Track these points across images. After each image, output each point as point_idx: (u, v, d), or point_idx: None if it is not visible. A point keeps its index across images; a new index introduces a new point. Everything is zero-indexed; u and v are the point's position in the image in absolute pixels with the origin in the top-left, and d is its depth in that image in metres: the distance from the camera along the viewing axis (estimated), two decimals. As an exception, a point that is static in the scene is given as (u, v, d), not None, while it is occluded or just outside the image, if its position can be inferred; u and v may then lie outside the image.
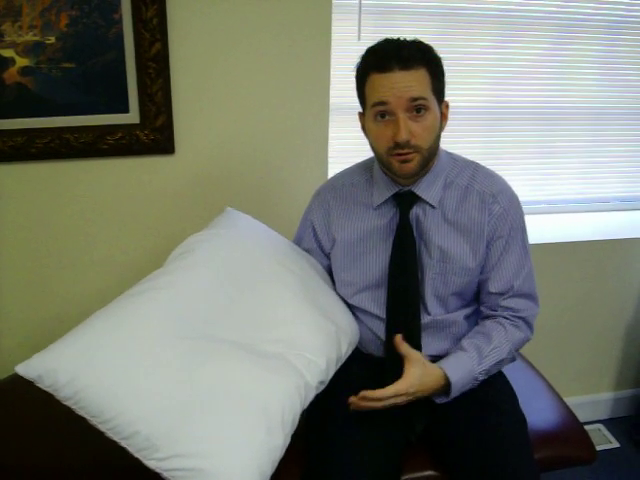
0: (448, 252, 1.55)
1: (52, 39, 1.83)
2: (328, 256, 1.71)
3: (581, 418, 1.74)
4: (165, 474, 1.19)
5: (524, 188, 2.48)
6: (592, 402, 2.66)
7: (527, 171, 2.50)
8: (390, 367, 1.55)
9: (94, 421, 1.19)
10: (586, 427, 1.70)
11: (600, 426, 2.65)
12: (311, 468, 1.42)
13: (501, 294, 1.56)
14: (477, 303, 1.64)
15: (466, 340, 1.52)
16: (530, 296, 1.59)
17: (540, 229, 2.47)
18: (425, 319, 1.59)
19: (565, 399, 1.79)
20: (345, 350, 1.55)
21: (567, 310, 2.51)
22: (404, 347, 1.43)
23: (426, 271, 1.57)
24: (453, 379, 1.43)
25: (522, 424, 1.52)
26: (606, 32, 2.33)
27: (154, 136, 1.95)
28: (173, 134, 1.97)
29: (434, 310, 1.59)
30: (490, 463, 1.39)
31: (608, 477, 2.35)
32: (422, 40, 1.47)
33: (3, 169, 1.93)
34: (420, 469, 1.51)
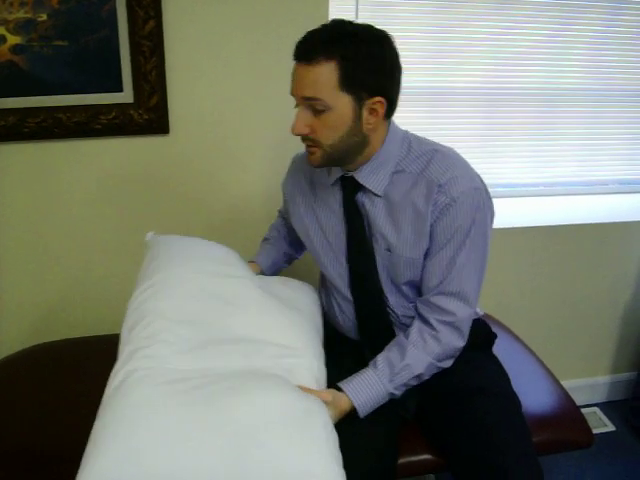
0: (392, 242, 1.50)
1: (44, 16, 1.80)
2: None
3: (578, 401, 1.73)
4: None
5: (524, 170, 2.46)
6: (589, 385, 2.66)
7: (527, 153, 2.47)
8: (367, 350, 1.57)
9: None
10: (582, 410, 1.69)
11: (596, 409, 2.65)
12: None
13: (430, 289, 1.48)
14: None
15: (382, 354, 1.48)
16: (459, 295, 1.46)
17: (539, 211, 2.45)
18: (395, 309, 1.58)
19: (562, 382, 1.78)
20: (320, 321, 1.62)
21: (565, 293, 2.50)
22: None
23: (378, 259, 1.54)
24: (357, 402, 1.41)
25: (515, 406, 1.51)
26: (606, 12, 2.30)
27: (148, 116, 1.92)
28: (167, 114, 1.94)
29: (393, 300, 1.57)
30: (482, 446, 1.38)
31: (604, 460, 2.35)
32: (363, 24, 1.36)
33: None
34: (416, 453, 1.51)
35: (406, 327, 1.54)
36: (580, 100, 2.43)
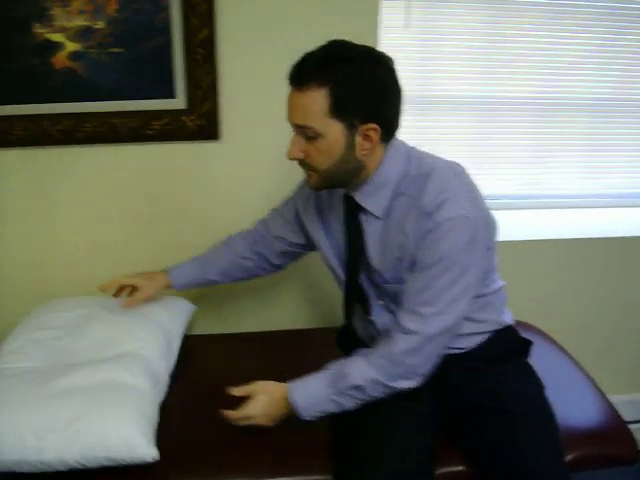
0: (377, 263, 1.49)
1: (101, 24, 1.85)
2: (303, 230, 1.74)
3: (627, 417, 1.70)
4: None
5: (574, 180, 2.44)
6: (636, 401, 2.60)
7: (578, 163, 2.44)
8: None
9: None
10: (631, 427, 1.66)
11: (642, 426, 2.59)
12: (346, 454, 1.42)
13: (402, 307, 1.44)
14: None
15: (341, 359, 1.49)
16: (425, 317, 1.39)
17: (587, 222, 2.42)
18: (380, 319, 1.58)
19: (610, 397, 1.75)
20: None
21: (613, 307, 2.45)
22: (238, 391, 1.50)
23: (373, 276, 1.54)
24: (297, 398, 1.43)
25: (546, 421, 1.48)
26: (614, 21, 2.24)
27: (200, 122, 1.96)
28: (218, 120, 1.97)
29: (379, 317, 1.57)
30: (511, 467, 1.38)
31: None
32: (352, 46, 1.35)
33: (51, 152, 1.97)
34: (451, 464, 1.49)
35: None
36: (637, 110, 2.39)
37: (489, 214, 1.48)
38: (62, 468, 1.36)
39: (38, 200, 2.03)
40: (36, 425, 1.37)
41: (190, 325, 2.00)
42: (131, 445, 1.37)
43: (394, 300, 1.51)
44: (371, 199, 1.47)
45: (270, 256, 1.81)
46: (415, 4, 2.06)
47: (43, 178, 2.00)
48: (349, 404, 1.43)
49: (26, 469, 1.36)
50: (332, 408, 1.44)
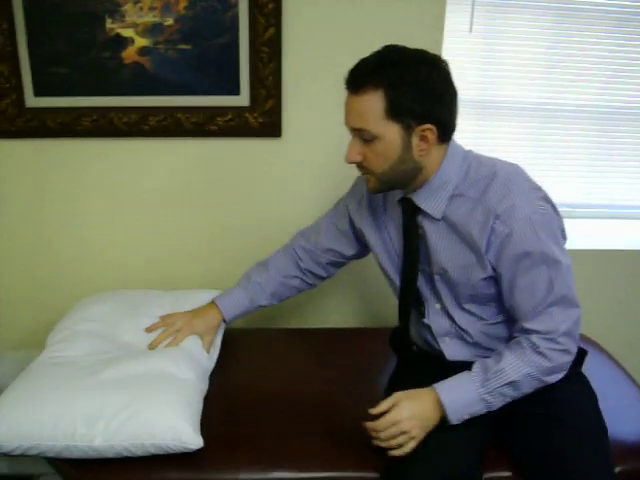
0: (446, 265, 1.49)
1: (170, 20, 1.89)
2: (359, 239, 1.74)
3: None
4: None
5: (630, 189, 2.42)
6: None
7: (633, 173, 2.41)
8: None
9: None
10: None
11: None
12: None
13: (522, 319, 1.44)
14: (498, 316, 1.56)
15: (479, 360, 1.46)
16: (555, 310, 1.42)
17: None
18: (436, 323, 1.59)
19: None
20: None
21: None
22: (380, 407, 1.41)
23: (437, 279, 1.54)
24: (446, 399, 1.39)
25: (598, 433, 1.47)
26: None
27: (262, 119, 1.99)
28: (281, 118, 2.00)
29: (458, 317, 1.56)
30: (557, 467, 1.37)
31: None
32: (408, 50, 1.36)
33: (118, 144, 2.03)
34: (498, 469, 1.48)
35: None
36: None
37: (560, 215, 1.48)
38: (110, 455, 1.40)
39: (101, 191, 2.09)
40: (86, 413, 1.41)
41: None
42: (177, 433, 1.40)
43: (457, 301, 1.53)
44: (430, 201, 1.47)
45: (316, 270, 1.81)
46: (480, 9, 2.05)
47: (107, 170, 2.07)
48: (497, 403, 1.42)
49: (76, 455, 1.40)
50: (481, 409, 1.42)
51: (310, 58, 1.97)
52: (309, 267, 1.80)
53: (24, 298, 2.20)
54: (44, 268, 2.16)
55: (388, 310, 2.22)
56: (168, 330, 1.70)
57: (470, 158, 1.48)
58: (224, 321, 1.79)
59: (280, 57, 1.93)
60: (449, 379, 1.43)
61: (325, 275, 1.84)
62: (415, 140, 1.38)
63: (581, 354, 1.63)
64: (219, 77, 1.95)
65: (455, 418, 1.40)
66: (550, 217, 1.41)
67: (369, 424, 1.39)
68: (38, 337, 1.81)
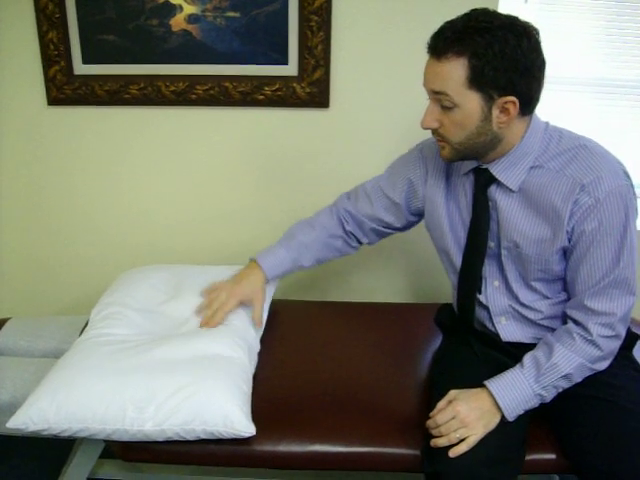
0: (523, 239, 1.45)
1: (219, -12, 1.87)
2: (412, 212, 1.70)
3: None
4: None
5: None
6: None
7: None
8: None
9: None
10: None
11: None
12: None
13: (584, 291, 1.41)
14: (560, 294, 1.53)
15: (530, 353, 1.43)
16: (618, 293, 1.40)
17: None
18: (494, 302, 1.56)
19: None
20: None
21: None
22: (438, 407, 1.40)
23: (505, 254, 1.50)
24: (503, 401, 1.37)
25: None
26: None
27: (310, 89, 1.96)
28: (329, 88, 1.97)
29: (523, 295, 1.53)
30: (616, 464, 1.32)
31: None
32: (503, 15, 1.30)
33: (165, 113, 2.03)
34: (542, 451, 1.45)
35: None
36: None
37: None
38: (160, 439, 1.39)
39: (147, 159, 2.10)
40: (136, 397, 1.39)
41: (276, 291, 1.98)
42: (230, 420, 1.37)
43: (524, 278, 1.51)
44: (508, 172, 1.44)
45: (359, 235, 1.77)
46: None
47: (154, 138, 2.07)
48: (551, 396, 1.41)
49: (125, 438, 1.39)
50: (536, 403, 1.41)
51: (360, 28, 1.93)
52: (353, 230, 1.76)
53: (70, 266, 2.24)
54: (87, 238, 2.20)
55: (433, 286, 2.21)
56: (212, 306, 1.66)
57: (550, 130, 1.45)
58: (266, 280, 1.75)
59: (330, 26, 1.90)
60: (501, 377, 1.41)
61: (367, 241, 1.80)
62: (495, 112, 1.34)
63: (633, 338, 1.60)
64: (267, 46, 1.93)
65: (512, 416, 1.39)
66: (633, 193, 1.39)
67: (430, 421, 1.38)
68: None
